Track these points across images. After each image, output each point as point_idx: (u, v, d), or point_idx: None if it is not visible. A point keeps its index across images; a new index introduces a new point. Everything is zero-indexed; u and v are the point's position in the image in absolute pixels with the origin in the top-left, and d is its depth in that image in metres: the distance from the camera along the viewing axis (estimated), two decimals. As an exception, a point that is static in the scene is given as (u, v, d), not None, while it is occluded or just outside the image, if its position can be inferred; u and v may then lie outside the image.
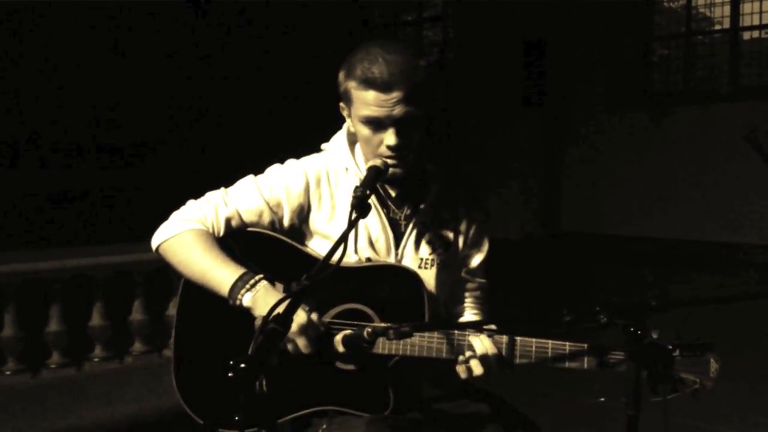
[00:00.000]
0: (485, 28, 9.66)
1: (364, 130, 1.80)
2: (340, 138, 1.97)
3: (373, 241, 1.89)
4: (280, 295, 1.72)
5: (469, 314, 2.02)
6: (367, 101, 1.75)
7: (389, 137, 1.76)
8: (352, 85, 1.78)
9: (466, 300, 2.03)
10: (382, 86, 1.72)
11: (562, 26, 9.33)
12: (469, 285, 2.03)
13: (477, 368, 1.71)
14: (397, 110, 1.74)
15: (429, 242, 1.92)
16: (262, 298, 1.73)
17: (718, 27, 9.44)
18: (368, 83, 1.74)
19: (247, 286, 1.75)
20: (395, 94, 1.73)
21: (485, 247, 2.03)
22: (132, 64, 8.67)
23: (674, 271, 7.54)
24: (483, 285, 2.05)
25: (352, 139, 1.96)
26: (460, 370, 1.73)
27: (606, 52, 9.27)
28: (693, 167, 8.57)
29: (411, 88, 1.74)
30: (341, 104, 1.87)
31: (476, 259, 2.02)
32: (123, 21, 8.58)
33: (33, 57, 8.05)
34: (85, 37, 8.31)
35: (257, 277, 1.76)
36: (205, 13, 9.23)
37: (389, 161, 1.79)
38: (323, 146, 2.00)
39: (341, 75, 1.82)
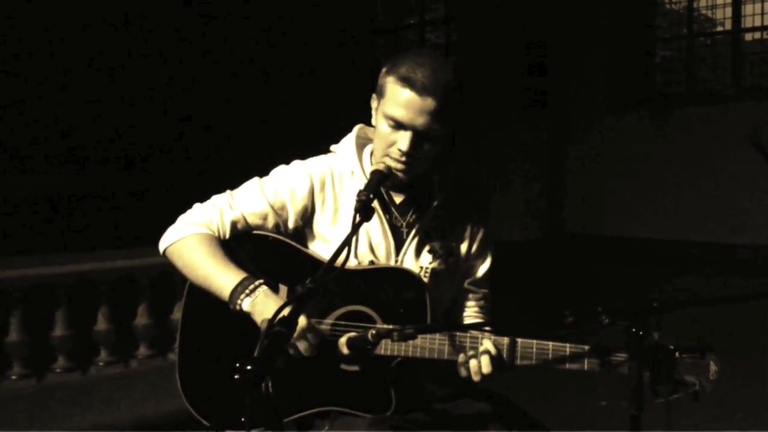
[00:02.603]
0: (488, 31, 9.68)
1: (384, 127, 1.80)
2: (348, 141, 1.98)
3: (374, 246, 1.90)
4: (279, 300, 1.74)
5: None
6: (398, 99, 1.75)
7: (403, 141, 1.77)
8: (390, 79, 1.78)
9: (469, 310, 2.04)
10: (421, 90, 1.73)
11: (565, 28, 9.34)
12: (473, 295, 2.03)
13: (476, 368, 1.71)
14: (422, 120, 1.74)
15: (430, 251, 1.92)
16: (261, 303, 1.75)
17: (720, 28, 9.46)
18: (407, 82, 1.74)
19: (247, 291, 1.77)
20: (428, 103, 1.73)
21: (489, 257, 2.03)
22: (140, 69, 8.71)
23: (677, 271, 7.53)
24: (486, 295, 2.06)
25: (361, 143, 1.97)
26: (462, 370, 1.74)
27: (608, 54, 9.29)
28: (696, 168, 8.57)
29: (444, 104, 1.74)
30: (373, 95, 1.87)
31: (480, 270, 2.02)
32: (128, 25, 8.62)
33: (39, 63, 8.09)
34: (92, 43, 8.34)
35: (257, 283, 1.78)
36: (210, 15, 9.26)
37: (395, 164, 1.80)
38: (332, 147, 2.00)
39: (384, 68, 1.82)
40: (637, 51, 9.40)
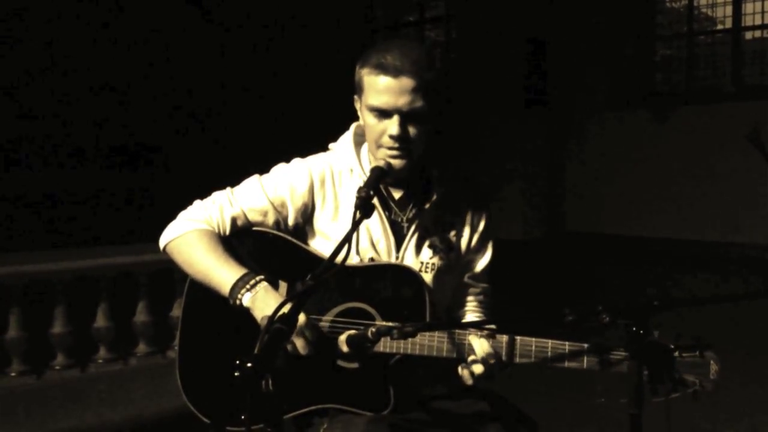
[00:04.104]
0: (488, 28, 9.67)
1: (371, 119, 1.81)
2: (346, 139, 1.98)
3: (375, 242, 1.90)
4: (278, 296, 1.75)
5: (472, 318, 2.03)
6: (377, 88, 1.77)
7: (392, 127, 1.78)
8: (365, 72, 1.80)
9: (469, 304, 2.04)
10: (393, 72, 1.74)
11: (565, 26, 9.33)
12: (472, 290, 2.04)
13: (477, 370, 1.72)
14: (404, 100, 1.75)
15: (430, 246, 1.92)
16: (261, 299, 1.75)
17: (720, 27, 9.44)
18: (380, 68, 1.75)
19: (247, 286, 1.77)
20: (405, 82, 1.74)
21: (489, 252, 2.03)
22: (138, 65, 8.70)
23: (677, 270, 7.53)
24: (486, 290, 2.06)
25: (359, 141, 1.97)
26: (463, 374, 1.74)
27: (608, 52, 9.28)
28: (695, 167, 8.57)
29: (421, 80, 1.75)
30: (355, 96, 1.89)
31: (480, 264, 2.02)
32: (129, 21, 8.61)
33: (40, 59, 8.08)
34: (92, 39, 8.33)
35: (257, 278, 1.78)
36: (209, 14, 9.26)
37: (390, 152, 1.80)
38: (330, 146, 2.01)
39: (357, 66, 1.84)
40: (638, 49, 9.39)
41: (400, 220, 1.93)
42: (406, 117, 1.77)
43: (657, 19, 9.67)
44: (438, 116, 1.84)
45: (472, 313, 2.03)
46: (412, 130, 1.79)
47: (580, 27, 9.30)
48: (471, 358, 1.72)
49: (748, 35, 9.20)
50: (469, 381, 1.73)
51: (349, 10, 10.64)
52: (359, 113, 1.90)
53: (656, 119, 9.00)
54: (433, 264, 1.91)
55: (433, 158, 1.93)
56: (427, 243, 1.93)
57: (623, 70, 9.32)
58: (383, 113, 1.78)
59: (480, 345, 1.71)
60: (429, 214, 1.93)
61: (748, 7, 8.89)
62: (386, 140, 1.79)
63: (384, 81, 1.75)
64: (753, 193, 8.08)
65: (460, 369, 1.75)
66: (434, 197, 1.92)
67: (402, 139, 1.79)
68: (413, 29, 11.76)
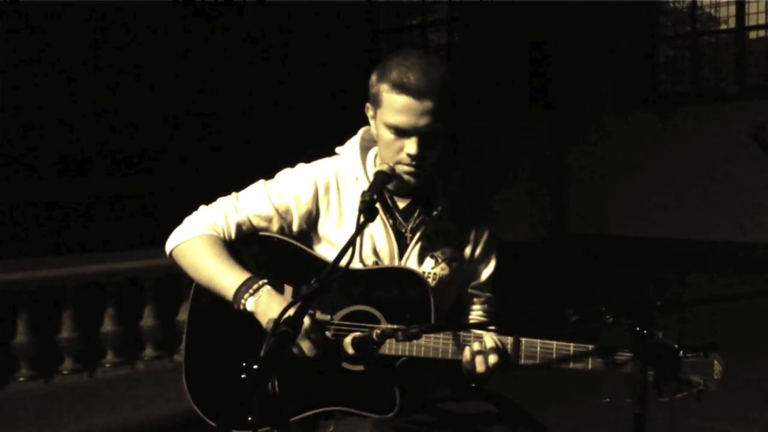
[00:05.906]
0: (490, 31, 9.68)
1: (387, 135, 1.81)
2: (353, 145, 1.98)
3: (378, 250, 1.90)
4: (282, 300, 1.76)
5: None
6: (396, 107, 1.76)
7: (411, 146, 1.78)
8: (384, 87, 1.78)
9: (474, 313, 2.04)
10: (416, 93, 1.73)
11: (568, 28, 9.33)
12: (476, 299, 2.04)
13: (481, 365, 1.72)
14: (424, 121, 1.75)
15: (433, 256, 1.92)
16: (264, 303, 1.76)
17: (723, 27, 9.43)
18: (402, 88, 1.74)
19: (251, 291, 1.78)
20: (427, 104, 1.74)
21: (493, 261, 2.02)
22: (142, 71, 8.73)
23: (681, 270, 7.52)
24: (490, 299, 2.06)
25: (366, 146, 1.97)
26: (466, 365, 1.75)
27: (612, 53, 9.28)
28: (700, 167, 8.56)
29: (442, 102, 1.75)
30: (368, 104, 1.88)
31: (484, 274, 2.02)
32: (132, 26, 8.64)
33: (43, 66, 8.11)
34: (95, 45, 8.36)
35: (260, 283, 1.79)
36: (212, 19, 9.28)
37: (406, 168, 1.81)
38: (337, 150, 2.01)
39: (374, 76, 1.82)
40: (641, 50, 9.39)
41: (403, 229, 1.93)
42: (425, 137, 1.78)
43: (660, 19, 9.67)
44: (449, 132, 1.85)
45: (476, 322, 2.03)
46: (429, 149, 1.80)
47: (583, 28, 9.30)
48: (475, 350, 1.72)
49: (752, 35, 9.18)
50: (482, 368, 1.72)
51: (351, 13, 10.66)
52: (371, 122, 1.89)
53: (660, 120, 8.99)
54: (435, 274, 1.91)
55: (438, 168, 1.93)
56: (430, 253, 1.92)
57: (627, 72, 9.32)
58: (402, 132, 1.78)
59: (486, 340, 1.73)
60: (433, 224, 1.93)
61: (752, 7, 8.88)
62: (404, 157, 1.80)
63: (405, 101, 1.74)
64: (758, 193, 8.07)
65: (462, 362, 1.74)
66: (439, 207, 1.92)
67: (420, 158, 1.79)
68: (416, 33, 11.77)
